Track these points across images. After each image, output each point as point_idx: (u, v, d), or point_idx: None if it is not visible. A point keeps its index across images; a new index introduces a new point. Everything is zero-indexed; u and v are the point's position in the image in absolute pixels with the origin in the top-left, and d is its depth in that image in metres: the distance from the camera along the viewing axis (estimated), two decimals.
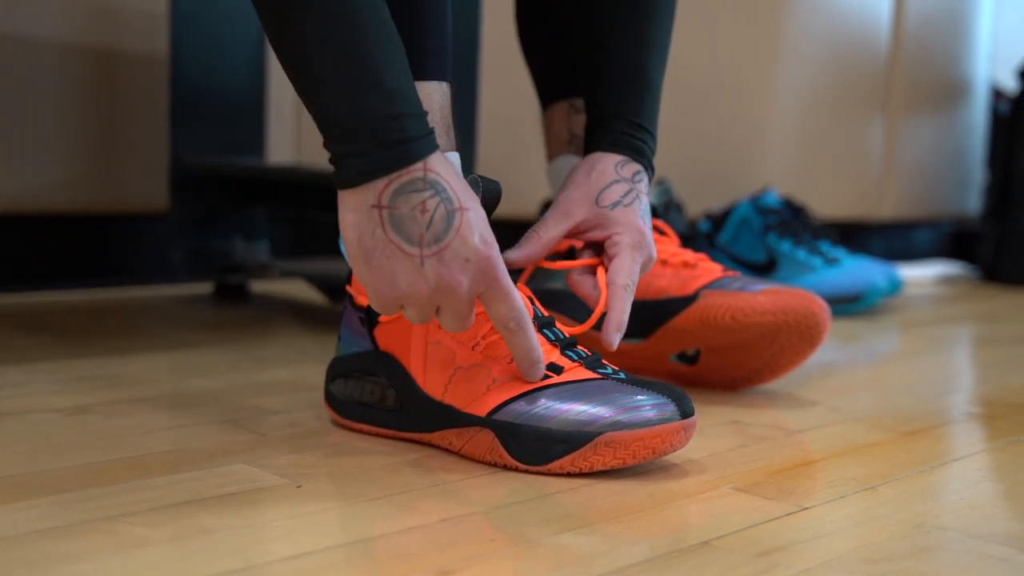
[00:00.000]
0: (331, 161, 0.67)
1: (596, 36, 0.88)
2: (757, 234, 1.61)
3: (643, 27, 0.87)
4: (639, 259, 0.83)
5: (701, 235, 1.64)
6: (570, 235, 0.85)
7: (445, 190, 0.67)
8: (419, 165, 0.66)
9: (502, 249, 0.74)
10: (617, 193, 0.84)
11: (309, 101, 0.67)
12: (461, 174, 0.70)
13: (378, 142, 0.65)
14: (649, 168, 0.87)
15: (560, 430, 0.70)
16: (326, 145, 0.68)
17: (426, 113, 0.68)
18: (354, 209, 0.67)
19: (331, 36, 0.65)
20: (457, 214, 0.67)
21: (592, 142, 0.87)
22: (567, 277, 0.86)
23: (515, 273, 0.80)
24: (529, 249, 0.83)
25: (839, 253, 1.63)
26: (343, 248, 0.83)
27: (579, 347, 0.76)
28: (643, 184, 0.86)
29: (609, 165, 0.85)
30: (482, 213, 0.69)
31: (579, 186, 0.85)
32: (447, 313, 0.69)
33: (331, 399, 0.82)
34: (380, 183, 0.66)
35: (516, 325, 0.70)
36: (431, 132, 0.68)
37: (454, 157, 0.77)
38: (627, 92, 0.86)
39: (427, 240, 0.66)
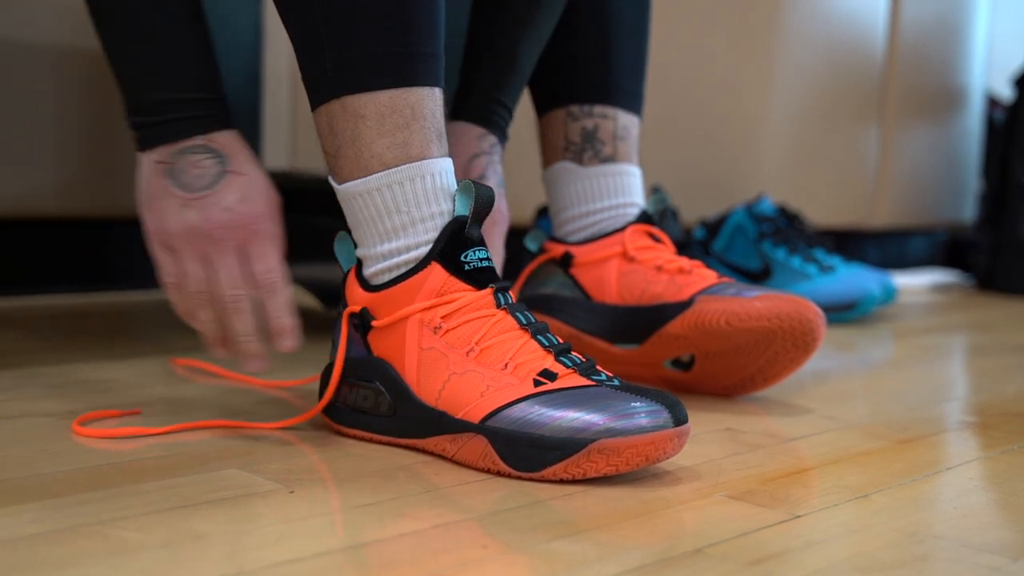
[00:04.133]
0: (130, 127, 0.81)
1: (483, 16, 0.99)
2: (752, 242, 1.61)
3: (526, 10, 0.97)
4: (500, 234, 0.96)
5: (696, 242, 1.64)
6: None
7: (225, 157, 0.79)
8: (201, 138, 0.79)
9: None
10: (480, 166, 0.96)
11: (114, 67, 0.81)
12: (253, 155, 0.81)
13: (161, 119, 0.79)
14: (504, 137, 0.99)
15: (553, 437, 0.70)
16: (126, 115, 0.81)
17: (217, 98, 0.81)
18: (145, 164, 0.81)
19: (116, 28, 0.80)
20: (228, 175, 0.79)
21: (457, 109, 0.97)
22: None
23: (514, 276, 0.82)
24: None
25: (833, 261, 1.63)
26: (338, 252, 0.83)
27: (573, 353, 0.76)
28: (498, 154, 0.98)
29: (472, 137, 0.96)
30: (261, 185, 0.80)
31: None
32: (218, 266, 0.79)
33: (326, 405, 0.82)
34: (165, 148, 0.79)
35: (266, 286, 0.80)
36: (215, 113, 0.80)
37: (445, 164, 0.77)
38: (492, 69, 0.97)
39: (194, 188, 0.79)
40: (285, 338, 0.82)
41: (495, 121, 0.98)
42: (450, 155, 0.85)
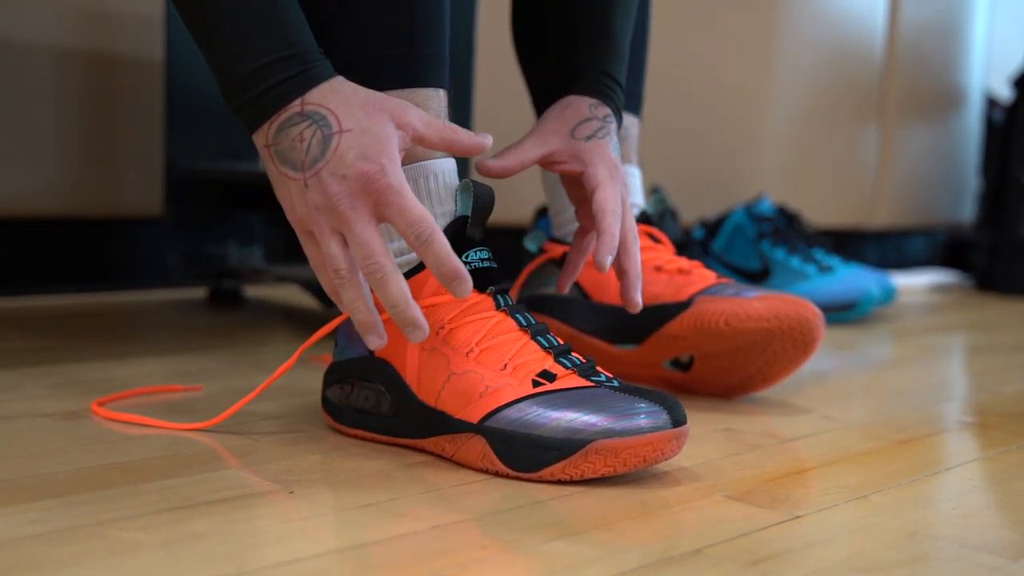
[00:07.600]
0: (233, 114, 0.72)
1: (568, 4, 0.94)
2: (751, 242, 1.61)
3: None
4: (618, 188, 0.87)
5: (695, 243, 1.64)
6: (544, 163, 0.89)
7: (324, 118, 0.70)
8: (296, 102, 0.70)
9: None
10: (591, 128, 0.89)
11: (207, 59, 0.72)
12: (366, 100, 0.71)
13: (253, 93, 0.70)
14: (618, 114, 0.92)
15: (551, 437, 0.70)
16: (225, 103, 0.72)
17: (306, 49, 0.71)
18: (260, 152, 0.73)
19: (192, 9, 0.70)
20: (334, 137, 0.70)
21: (564, 90, 0.91)
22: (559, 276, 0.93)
23: (509, 279, 0.81)
24: (504, 161, 0.87)
25: (833, 261, 1.63)
26: None
27: (573, 354, 0.76)
28: (613, 125, 0.91)
29: (583, 105, 0.90)
30: (376, 133, 0.70)
31: (554, 120, 0.89)
32: (350, 241, 0.71)
33: (328, 405, 0.82)
34: (265, 127, 0.71)
35: (418, 240, 0.70)
36: (307, 68, 0.70)
37: (448, 164, 0.77)
38: (597, 48, 0.92)
39: (307, 164, 0.70)
40: (454, 285, 0.71)
41: (606, 93, 0.91)
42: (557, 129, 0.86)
